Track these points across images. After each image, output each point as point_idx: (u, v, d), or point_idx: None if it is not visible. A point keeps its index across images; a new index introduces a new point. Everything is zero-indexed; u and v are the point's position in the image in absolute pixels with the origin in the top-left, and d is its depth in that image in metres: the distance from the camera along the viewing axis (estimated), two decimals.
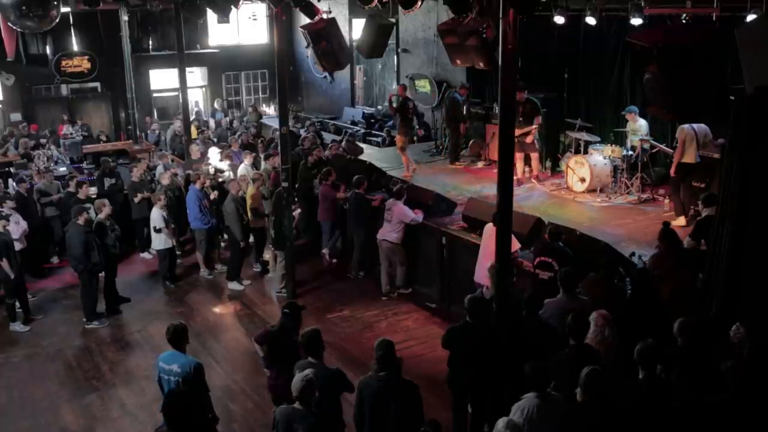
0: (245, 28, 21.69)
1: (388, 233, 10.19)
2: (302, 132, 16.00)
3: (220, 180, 12.55)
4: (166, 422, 4.88)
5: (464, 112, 13.75)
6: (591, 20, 9.84)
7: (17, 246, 10.00)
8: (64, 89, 19.65)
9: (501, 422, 4.56)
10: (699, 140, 9.62)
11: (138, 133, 18.09)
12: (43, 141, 16.34)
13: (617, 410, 4.98)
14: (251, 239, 11.53)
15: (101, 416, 7.74)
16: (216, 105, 20.63)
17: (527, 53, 11.31)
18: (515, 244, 7.68)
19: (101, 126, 19.63)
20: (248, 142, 15.13)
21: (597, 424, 4.90)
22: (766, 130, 6.30)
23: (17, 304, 9.91)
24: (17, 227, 10.22)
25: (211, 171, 12.96)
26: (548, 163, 12.78)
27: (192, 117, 18.12)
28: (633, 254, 8.16)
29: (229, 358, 8.96)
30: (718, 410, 5.03)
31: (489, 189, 11.27)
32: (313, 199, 11.93)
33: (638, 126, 11.05)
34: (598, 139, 11.96)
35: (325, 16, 10.50)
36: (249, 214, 11.10)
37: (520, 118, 11.73)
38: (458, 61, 10.65)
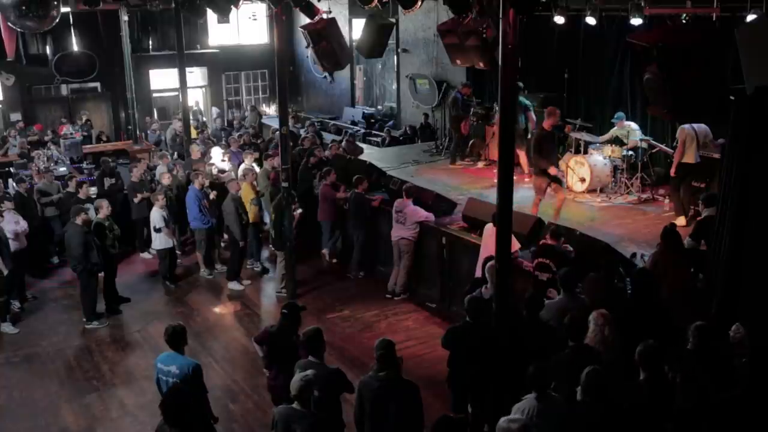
0: (245, 28, 21.66)
1: (405, 232, 10.15)
2: (302, 132, 15.99)
3: (221, 180, 12.53)
4: (165, 419, 4.89)
5: (461, 110, 13.71)
6: (591, 20, 9.83)
7: (16, 246, 9.99)
8: (64, 89, 19.63)
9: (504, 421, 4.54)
10: (699, 140, 9.62)
11: (138, 133, 18.08)
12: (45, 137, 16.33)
13: (617, 410, 4.98)
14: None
15: (101, 416, 7.73)
16: (214, 112, 20.51)
17: (527, 53, 11.31)
18: (515, 244, 7.67)
19: (101, 126, 19.59)
20: (250, 142, 15.13)
21: (597, 425, 4.90)
22: (766, 130, 6.31)
23: (15, 303, 9.89)
24: (17, 227, 10.20)
25: (214, 171, 12.94)
26: None
27: (192, 118, 18.08)
28: (635, 255, 8.16)
29: (229, 358, 8.96)
30: (724, 410, 5.02)
31: (489, 189, 11.26)
32: (313, 199, 11.92)
33: (629, 130, 11.07)
34: (598, 139, 11.95)
35: (325, 16, 10.48)
36: (248, 213, 11.09)
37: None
38: (458, 61, 10.64)
